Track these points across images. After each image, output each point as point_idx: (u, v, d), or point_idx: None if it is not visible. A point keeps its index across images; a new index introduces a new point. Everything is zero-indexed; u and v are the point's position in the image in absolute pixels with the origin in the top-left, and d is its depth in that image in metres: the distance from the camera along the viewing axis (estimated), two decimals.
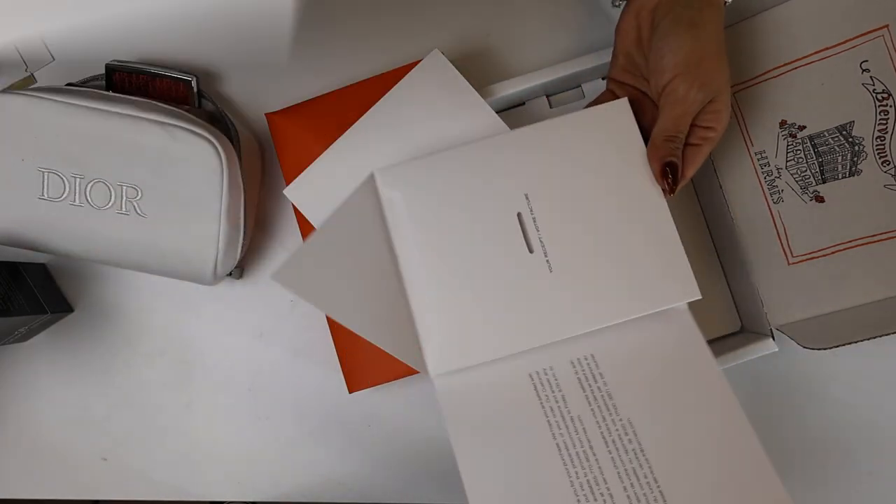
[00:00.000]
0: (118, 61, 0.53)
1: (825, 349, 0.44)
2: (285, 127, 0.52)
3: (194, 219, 0.47)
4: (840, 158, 0.46)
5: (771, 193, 0.48)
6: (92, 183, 0.47)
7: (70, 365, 0.56)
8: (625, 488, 0.36)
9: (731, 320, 0.52)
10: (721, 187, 0.49)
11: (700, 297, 0.41)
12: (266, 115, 0.53)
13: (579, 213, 0.42)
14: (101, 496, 0.56)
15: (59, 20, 0.55)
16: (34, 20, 0.55)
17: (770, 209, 0.48)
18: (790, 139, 0.47)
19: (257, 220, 0.55)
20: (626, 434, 0.38)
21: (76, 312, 0.56)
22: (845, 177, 0.46)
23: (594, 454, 0.38)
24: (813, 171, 0.47)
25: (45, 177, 0.47)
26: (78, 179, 0.47)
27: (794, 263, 0.47)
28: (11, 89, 0.47)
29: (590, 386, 0.40)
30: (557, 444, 0.38)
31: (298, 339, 0.55)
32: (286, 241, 0.55)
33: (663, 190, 0.41)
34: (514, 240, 0.42)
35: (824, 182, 0.47)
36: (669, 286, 0.41)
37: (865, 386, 0.51)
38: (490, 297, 0.41)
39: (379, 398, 0.54)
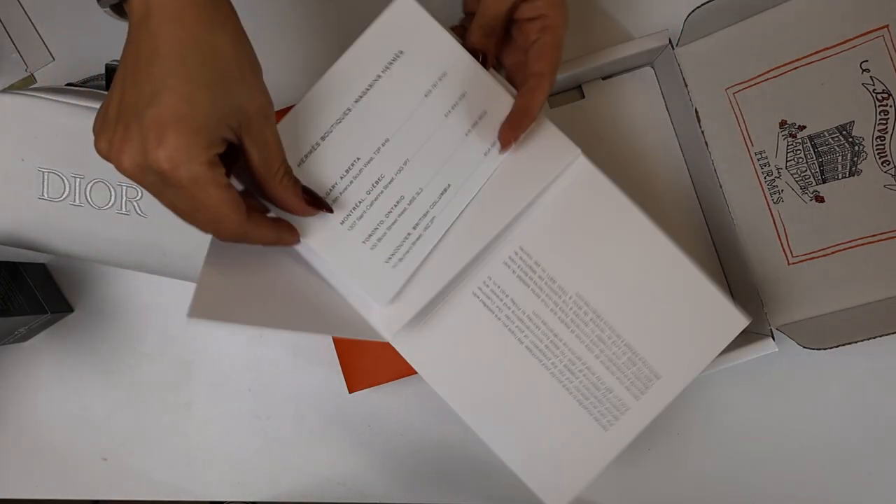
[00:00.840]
0: (118, 61, 0.52)
1: (825, 349, 0.44)
2: None
3: None
4: (840, 158, 0.46)
5: (771, 193, 0.48)
6: (92, 183, 0.47)
7: (70, 365, 0.56)
8: (597, 356, 0.40)
9: None
10: (721, 187, 0.49)
11: (578, 151, 0.41)
12: None
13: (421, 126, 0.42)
14: (101, 496, 0.56)
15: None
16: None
17: (770, 209, 0.48)
18: (790, 139, 0.47)
19: None
20: (580, 308, 0.41)
21: (76, 312, 0.56)
22: (845, 177, 0.46)
23: (560, 340, 0.41)
24: (813, 171, 0.47)
25: (45, 177, 0.47)
26: (78, 179, 0.47)
27: (794, 263, 0.47)
28: (11, 89, 0.47)
29: (530, 279, 0.41)
30: (527, 347, 0.41)
31: (298, 339, 0.55)
32: None
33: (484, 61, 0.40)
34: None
35: (824, 182, 0.47)
36: (548, 155, 0.41)
37: (865, 386, 0.51)
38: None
39: (379, 398, 0.54)
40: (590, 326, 0.41)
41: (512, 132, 0.40)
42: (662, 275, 0.41)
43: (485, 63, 0.41)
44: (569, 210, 0.41)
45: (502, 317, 0.41)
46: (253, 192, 0.38)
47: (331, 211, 0.39)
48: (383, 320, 0.41)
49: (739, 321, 0.40)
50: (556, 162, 0.41)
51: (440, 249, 0.41)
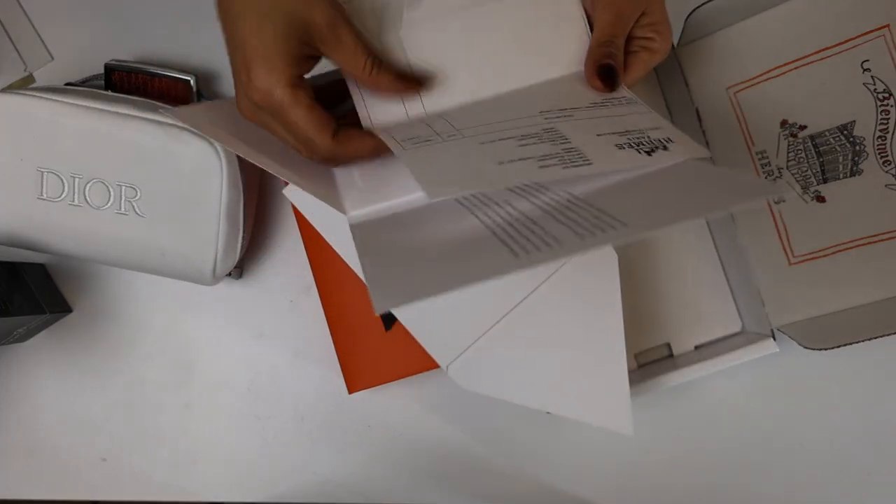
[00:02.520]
0: (117, 61, 0.52)
1: (826, 349, 0.44)
2: None
3: (193, 219, 0.47)
4: (841, 158, 0.46)
5: None
6: (91, 183, 0.47)
7: (69, 365, 0.56)
8: (551, 214, 0.33)
9: (732, 320, 0.52)
10: None
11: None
12: None
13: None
14: (101, 496, 0.56)
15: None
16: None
17: (771, 209, 0.48)
18: (791, 139, 0.47)
19: (257, 220, 0.55)
20: (558, 193, 0.35)
21: (75, 312, 0.56)
22: (846, 177, 0.46)
23: (514, 208, 0.35)
24: (814, 170, 0.47)
25: (44, 177, 0.47)
26: (76, 179, 0.47)
27: (794, 264, 0.47)
28: (11, 89, 0.47)
29: (523, 189, 0.37)
30: (470, 210, 0.36)
31: (298, 339, 0.55)
32: (286, 241, 0.55)
33: (604, 89, 0.40)
34: None
35: (825, 182, 0.47)
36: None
37: (865, 386, 0.51)
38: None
39: (379, 398, 0.54)
40: (559, 199, 0.34)
41: None
42: (673, 173, 0.35)
43: (613, 75, 0.40)
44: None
45: (467, 203, 0.37)
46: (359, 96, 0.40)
47: (421, 85, 0.40)
48: (355, 200, 0.39)
49: (763, 188, 0.32)
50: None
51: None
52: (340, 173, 0.41)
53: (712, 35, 0.48)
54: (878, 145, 0.45)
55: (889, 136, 0.45)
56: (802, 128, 0.47)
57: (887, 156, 0.45)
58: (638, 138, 0.37)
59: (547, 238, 0.30)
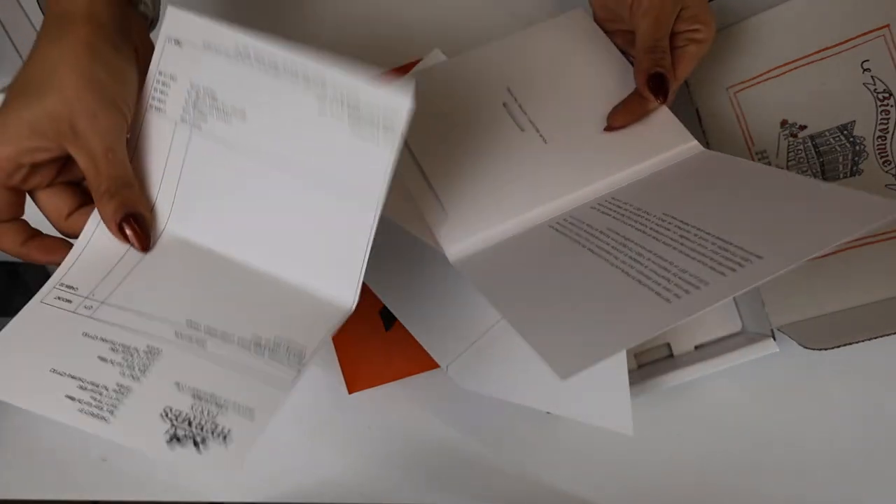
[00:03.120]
0: None
1: (826, 349, 0.44)
2: None
3: None
4: (841, 158, 0.46)
5: None
6: None
7: None
8: (674, 248, 0.34)
9: (732, 320, 0.52)
10: None
11: (695, 142, 0.42)
12: None
13: (560, 95, 0.45)
14: (101, 496, 0.56)
15: None
16: None
17: None
18: (791, 139, 0.47)
19: None
20: (664, 221, 0.36)
21: None
22: (846, 176, 0.46)
23: (631, 240, 0.35)
24: (814, 170, 0.47)
25: None
26: None
27: None
28: None
29: (615, 211, 0.39)
30: (590, 249, 0.36)
31: None
32: None
33: (657, 101, 0.42)
34: (503, 124, 0.44)
35: (825, 182, 0.47)
36: (663, 136, 0.42)
37: (865, 386, 0.51)
38: (490, 172, 0.42)
39: (379, 398, 0.54)
40: (672, 231, 0.35)
41: (623, 118, 0.42)
42: (774, 192, 0.35)
43: (664, 83, 0.41)
44: (675, 173, 0.41)
45: (572, 235, 0.38)
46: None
47: (145, 250, 0.36)
48: (448, 233, 0.41)
49: (880, 206, 0.31)
50: (665, 142, 0.42)
51: (530, 183, 0.42)
52: (426, 207, 0.42)
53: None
54: (878, 145, 0.45)
55: (889, 136, 0.45)
56: (802, 128, 0.47)
57: (887, 156, 0.45)
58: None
59: (688, 278, 0.31)
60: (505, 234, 0.41)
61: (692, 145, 0.42)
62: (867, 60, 0.45)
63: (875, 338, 0.43)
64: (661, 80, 0.41)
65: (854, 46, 0.45)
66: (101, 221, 0.36)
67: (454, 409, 0.53)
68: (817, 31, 0.46)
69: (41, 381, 0.32)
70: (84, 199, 0.37)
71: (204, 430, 0.30)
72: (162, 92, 0.36)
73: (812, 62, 0.46)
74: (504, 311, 0.34)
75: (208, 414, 0.31)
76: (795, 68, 0.47)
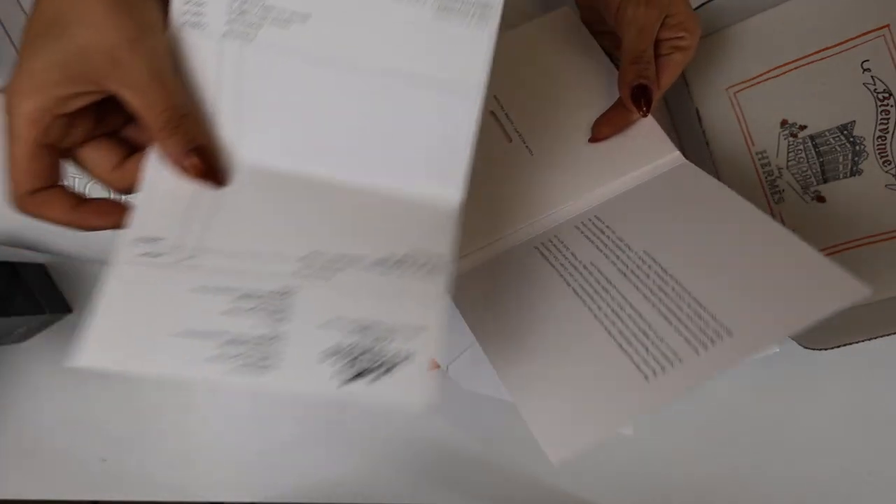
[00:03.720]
0: None
1: (826, 349, 0.44)
2: None
3: None
4: (841, 158, 0.46)
5: (772, 193, 0.48)
6: (91, 182, 0.47)
7: (69, 365, 0.56)
8: (653, 305, 0.34)
9: None
10: None
11: (677, 153, 0.42)
12: None
13: (547, 102, 0.44)
14: (101, 496, 0.56)
15: None
16: None
17: (771, 209, 0.48)
18: (791, 139, 0.47)
19: None
20: (644, 262, 0.37)
21: (75, 313, 0.56)
22: (846, 177, 0.46)
23: (613, 286, 0.36)
24: (814, 170, 0.47)
25: None
26: (76, 178, 0.47)
27: None
28: None
29: (598, 238, 0.39)
30: (573, 288, 0.37)
31: None
32: None
33: (639, 113, 0.41)
34: (491, 133, 0.44)
35: (825, 182, 0.47)
36: (647, 147, 0.43)
37: (865, 386, 0.51)
38: (484, 189, 0.41)
39: None
40: (651, 278, 0.36)
41: (607, 129, 0.42)
42: (753, 246, 0.35)
43: (648, 95, 0.41)
44: (656, 192, 0.41)
45: (556, 264, 0.39)
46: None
47: (220, 185, 0.32)
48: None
49: (852, 288, 0.32)
50: (649, 153, 0.42)
51: (518, 196, 0.42)
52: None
53: (712, 35, 0.48)
54: (878, 145, 0.45)
55: (889, 136, 0.45)
56: (802, 128, 0.47)
57: (887, 156, 0.45)
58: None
59: (664, 350, 0.33)
60: (492, 252, 0.41)
61: (675, 156, 0.42)
62: (867, 60, 0.45)
63: (875, 338, 0.43)
64: (645, 91, 0.41)
65: (854, 46, 0.45)
66: (163, 162, 0.31)
67: (454, 409, 0.53)
68: (817, 31, 0.46)
69: (175, 348, 0.28)
70: (129, 149, 0.32)
71: (380, 358, 0.28)
72: (197, 3, 0.30)
73: (812, 62, 0.46)
74: (495, 362, 0.35)
75: (379, 341, 0.28)
76: (795, 68, 0.47)
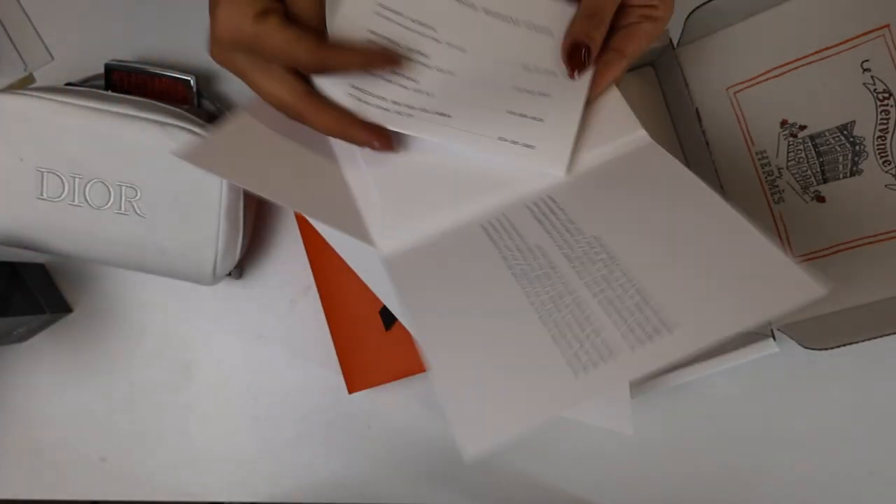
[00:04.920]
0: (117, 61, 0.52)
1: (826, 349, 0.44)
2: None
3: (193, 219, 0.47)
4: (841, 158, 0.46)
5: (772, 193, 0.48)
6: (90, 183, 0.47)
7: (69, 365, 0.56)
8: (594, 294, 0.33)
9: None
10: (722, 187, 0.49)
11: (643, 132, 0.39)
12: None
13: (504, 65, 0.40)
14: (101, 496, 0.56)
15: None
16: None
17: (771, 209, 0.48)
18: (791, 139, 0.47)
19: (257, 220, 0.55)
20: (593, 248, 0.35)
21: (75, 313, 0.56)
22: (846, 177, 0.46)
23: (556, 272, 0.35)
24: (814, 170, 0.47)
25: (44, 177, 0.47)
26: (76, 179, 0.47)
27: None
28: (10, 89, 0.47)
29: (548, 220, 0.37)
30: (513, 273, 0.35)
31: (298, 339, 0.55)
32: (286, 241, 0.55)
33: (571, 72, 0.39)
34: None
35: (825, 182, 0.47)
36: (611, 123, 0.40)
37: (865, 386, 0.51)
38: (428, 160, 0.40)
39: (379, 398, 0.54)
40: (597, 266, 0.34)
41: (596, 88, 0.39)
42: (711, 236, 0.34)
43: (587, 57, 0.38)
44: (616, 174, 0.39)
45: (500, 245, 0.37)
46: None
47: (574, 76, 0.39)
48: (377, 227, 0.39)
49: (807, 288, 0.30)
50: (613, 130, 0.40)
51: (461, 185, 0.40)
52: (361, 196, 0.40)
53: (712, 35, 0.48)
54: (877, 145, 0.45)
55: (889, 136, 0.45)
56: (802, 128, 0.47)
57: (887, 156, 0.45)
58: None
59: (598, 344, 0.31)
60: (437, 228, 0.39)
61: (640, 135, 0.39)
62: (867, 60, 0.45)
63: (875, 338, 0.43)
64: (586, 53, 0.38)
65: (854, 46, 0.45)
66: None
67: None
68: (817, 31, 0.46)
69: None
70: None
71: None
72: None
73: (812, 62, 0.46)
74: (427, 350, 0.34)
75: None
76: (795, 68, 0.47)
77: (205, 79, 0.55)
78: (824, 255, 0.46)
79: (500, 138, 0.38)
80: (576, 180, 0.39)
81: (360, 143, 0.37)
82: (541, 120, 0.39)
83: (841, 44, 0.45)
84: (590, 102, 0.39)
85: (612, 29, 0.39)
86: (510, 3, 0.40)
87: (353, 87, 0.37)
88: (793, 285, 0.31)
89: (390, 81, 0.38)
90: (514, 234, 0.37)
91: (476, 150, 0.38)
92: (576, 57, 0.38)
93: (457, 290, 0.36)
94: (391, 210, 0.39)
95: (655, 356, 0.30)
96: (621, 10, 0.39)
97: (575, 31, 0.38)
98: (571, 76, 0.39)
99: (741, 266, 0.32)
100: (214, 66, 0.55)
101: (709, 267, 0.33)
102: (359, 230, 0.39)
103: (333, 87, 0.37)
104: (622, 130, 0.39)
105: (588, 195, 0.38)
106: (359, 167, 0.40)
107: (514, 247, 0.37)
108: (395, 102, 0.38)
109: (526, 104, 0.39)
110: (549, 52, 0.40)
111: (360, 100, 0.37)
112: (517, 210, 0.39)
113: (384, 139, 0.37)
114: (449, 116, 0.38)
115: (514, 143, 0.38)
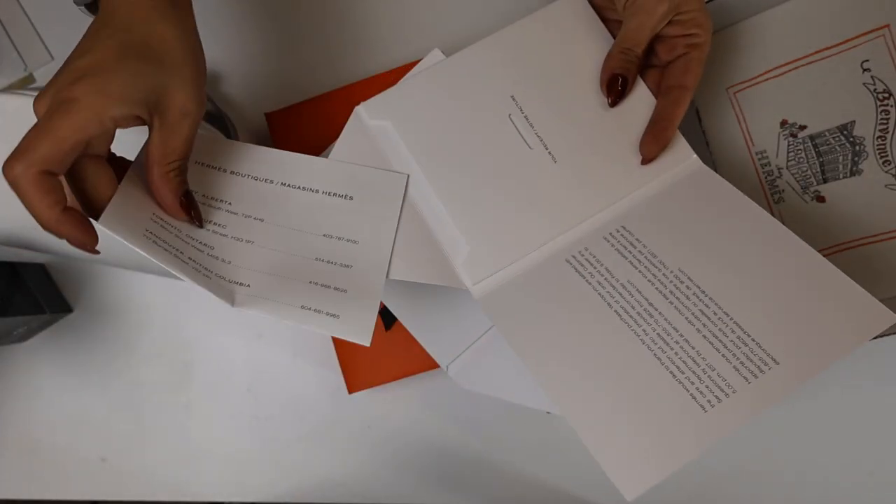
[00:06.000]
0: None
1: None
2: (285, 127, 0.52)
3: None
4: (841, 158, 0.46)
5: (772, 193, 0.48)
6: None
7: (69, 365, 0.56)
8: (698, 330, 0.34)
9: None
10: None
11: (695, 156, 0.41)
12: (266, 114, 0.53)
13: (566, 103, 0.43)
14: (101, 496, 0.56)
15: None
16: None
17: (771, 209, 0.48)
18: (791, 139, 0.47)
19: None
20: (682, 282, 0.36)
21: (75, 312, 0.56)
22: (846, 177, 0.46)
23: (656, 309, 0.36)
24: (814, 170, 0.47)
25: None
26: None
27: None
28: (10, 89, 0.47)
29: (630, 252, 0.38)
30: (616, 311, 0.36)
31: (298, 339, 0.55)
32: None
33: (608, 102, 0.42)
34: (511, 141, 0.42)
35: (825, 182, 0.47)
36: (670, 152, 0.42)
37: (865, 386, 0.51)
38: (503, 198, 0.41)
39: (379, 399, 0.54)
40: (692, 300, 0.35)
41: (656, 144, 0.41)
42: (784, 266, 0.36)
43: (625, 87, 0.41)
44: (680, 201, 0.40)
45: (593, 282, 0.38)
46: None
47: (199, 224, 0.38)
48: (466, 268, 0.40)
49: (884, 316, 0.33)
50: (672, 159, 0.41)
51: (543, 207, 0.41)
52: (444, 240, 0.41)
53: (712, 35, 0.48)
54: (878, 145, 0.45)
55: (889, 136, 0.45)
56: (802, 128, 0.47)
57: (887, 156, 0.45)
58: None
59: (716, 379, 0.33)
60: (524, 267, 0.40)
61: (692, 160, 0.42)
62: (867, 60, 0.45)
63: (874, 338, 0.43)
64: (623, 83, 0.41)
65: (854, 46, 0.45)
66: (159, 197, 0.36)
67: (454, 409, 0.53)
68: (817, 31, 0.46)
69: None
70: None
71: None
72: None
73: (812, 62, 0.46)
74: (546, 387, 0.35)
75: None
76: (795, 68, 0.47)
77: None
78: (824, 255, 0.46)
79: (302, 307, 0.38)
80: (644, 209, 0.41)
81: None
82: (344, 291, 0.39)
83: (841, 44, 0.45)
84: (669, 141, 0.41)
85: (665, 66, 0.42)
86: (307, 175, 0.42)
87: (150, 232, 0.36)
88: (872, 315, 0.33)
89: (187, 243, 0.37)
90: (601, 268, 0.39)
91: (280, 318, 0.38)
92: (613, 87, 0.41)
93: (564, 327, 0.37)
94: (475, 248, 0.40)
95: (771, 389, 0.32)
96: (665, 44, 0.41)
97: (612, 65, 0.41)
98: (611, 105, 0.42)
99: (820, 298, 0.34)
100: (215, 65, 0.55)
101: (790, 301, 0.34)
102: (447, 274, 0.40)
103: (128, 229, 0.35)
104: (679, 158, 0.42)
105: (659, 224, 0.39)
106: (437, 211, 0.41)
107: (607, 282, 0.38)
108: (190, 259, 0.37)
109: (330, 275, 0.39)
110: (351, 219, 0.41)
111: (153, 241, 0.36)
112: (596, 242, 0.40)
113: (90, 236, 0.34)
114: (248, 286, 0.38)
115: (318, 311, 0.38)
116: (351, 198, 0.42)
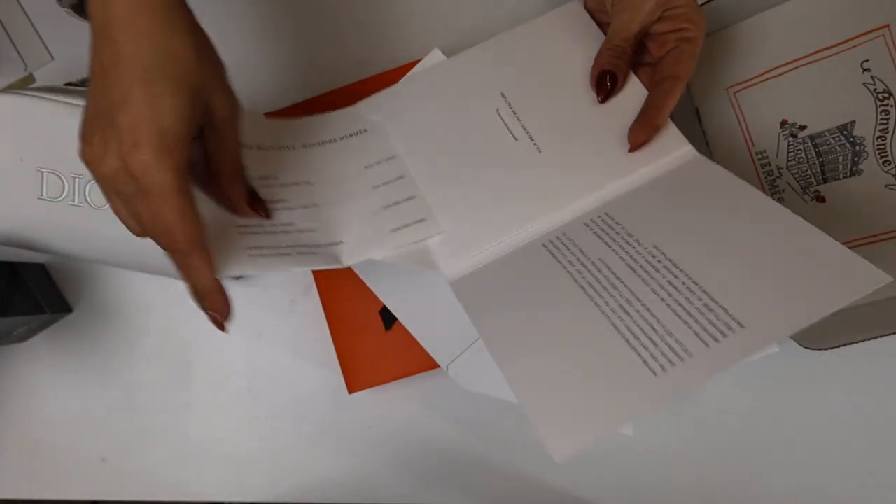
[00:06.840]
0: None
1: (826, 349, 0.44)
2: None
3: None
4: (841, 158, 0.46)
5: (772, 193, 0.48)
6: (91, 183, 0.47)
7: (69, 365, 0.56)
8: (662, 299, 0.35)
9: None
10: None
11: (689, 147, 0.41)
12: (265, 115, 0.53)
13: (557, 100, 0.44)
14: (101, 496, 0.56)
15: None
16: None
17: None
18: (791, 139, 0.47)
19: None
20: (654, 256, 0.37)
21: (75, 312, 0.56)
22: (846, 177, 0.46)
23: (621, 281, 0.36)
24: (814, 170, 0.47)
25: (44, 177, 0.47)
26: (77, 179, 0.47)
27: None
28: (11, 89, 0.47)
29: (607, 234, 0.39)
30: (581, 286, 0.37)
31: (298, 339, 0.55)
32: None
33: (598, 98, 0.43)
34: (497, 132, 0.44)
35: (825, 182, 0.47)
36: (659, 141, 0.42)
37: (865, 386, 0.51)
38: (483, 186, 0.43)
39: (379, 398, 0.54)
40: (661, 272, 0.36)
41: (643, 133, 0.41)
42: (769, 235, 0.35)
43: (614, 84, 0.42)
44: (670, 188, 0.40)
45: (564, 261, 0.39)
46: (200, 185, 0.38)
47: (268, 217, 0.39)
48: (444, 253, 0.41)
49: (874, 275, 0.32)
50: (661, 148, 0.42)
51: (526, 195, 0.42)
52: None
53: (712, 35, 0.48)
54: (877, 145, 0.45)
55: (889, 136, 0.45)
56: (802, 128, 0.47)
57: (887, 156, 0.45)
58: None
59: (673, 344, 0.33)
60: (500, 251, 0.41)
61: (686, 150, 0.42)
62: (867, 60, 0.45)
63: (875, 338, 0.43)
64: (612, 79, 0.42)
65: (854, 46, 0.45)
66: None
67: (454, 409, 0.53)
68: (817, 31, 0.46)
69: None
70: None
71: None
72: None
73: (812, 62, 0.46)
74: (499, 361, 0.35)
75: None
76: (795, 68, 0.47)
77: None
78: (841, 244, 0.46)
79: (392, 230, 0.41)
80: (630, 196, 0.41)
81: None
82: (413, 197, 0.42)
83: (841, 44, 0.45)
84: (658, 129, 0.41)
85: (657, 60, 0.42)
86: (320, 130, 0.45)
87: (250, 248, 0.37)
88: (858, 274, 0.32)
89: (274, 233, 0.39)
90: (575, 249, 0.39)
91: (385, 252, 0.40)
92: (602, 84, 0.42)
93: (525, 304, 0.38)
94: (454, 236, 0.42)
95: (731, 352, 0.31)
96: (656, 40, 0.42)
97: (600, 62, 0.42)
98: (601, 101, 0.43)
99: (804, 261, 0.33)
100: None
101: (772, 264, 0.34)
102: (424, 258, 0.41)
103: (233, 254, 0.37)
104: (670, 147, 0.42)
105: (643, 209, 0.40)
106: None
107: (577, 261, 0.39)
108: (289, 246, 0.39)
109: (395, 192, 0.43)
110: (376, 144, 0.45)
111: (259, 255, 0.37)
112: (575, 228, 0.41)
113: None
114: (341, 242, 0.40)
115: (407, 225, 0.41)
116: (365, 130, 0.45)
